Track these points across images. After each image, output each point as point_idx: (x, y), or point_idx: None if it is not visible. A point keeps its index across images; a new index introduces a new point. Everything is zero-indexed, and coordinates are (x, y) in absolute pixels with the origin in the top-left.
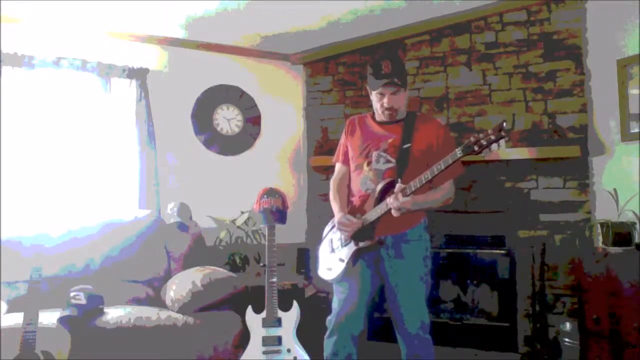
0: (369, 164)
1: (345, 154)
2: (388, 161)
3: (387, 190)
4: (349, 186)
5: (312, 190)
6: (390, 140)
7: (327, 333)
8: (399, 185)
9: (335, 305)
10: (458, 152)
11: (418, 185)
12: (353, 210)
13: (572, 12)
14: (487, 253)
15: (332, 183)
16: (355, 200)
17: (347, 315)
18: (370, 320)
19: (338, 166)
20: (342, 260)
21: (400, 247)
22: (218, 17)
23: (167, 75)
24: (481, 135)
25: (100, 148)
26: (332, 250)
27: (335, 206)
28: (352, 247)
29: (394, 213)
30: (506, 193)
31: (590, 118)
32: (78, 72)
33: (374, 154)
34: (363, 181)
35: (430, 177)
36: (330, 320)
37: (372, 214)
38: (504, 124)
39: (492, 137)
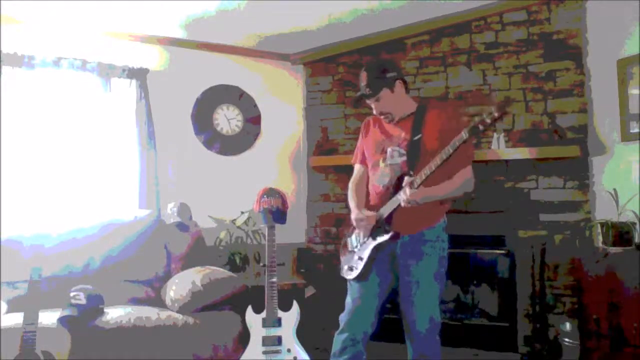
0: (384, 160)
1: (363, 154)
2: (402, 155)
3: (399, 184)
4: (367, 186)
5: (312, 190)
6: (403, 135)
7: (339, 330)
8: (406, 179)
9: (348, 302)
10: (464, 134)
11: (428, 173)
12: (370, 208)
13: (572, 12)
14: (487, 253)
15: (351, 184)
16: (373, 199)
17: (360, 313)
18: (378, 322)
19: (356, 167)
20: (361, 258)
21: (417, 247)
22: (218, 17)
23: (167, 75)
24: (484, 114)
25: (100, 148)
26: (352, 250)
27: (352, 204)
28: (370, 244)
29: (403, 205)
30: (506, 193)
31: (590, 118)
32: (78, 72)
33: (389, 150)
34: (379, 178)
35: (439, 163)
36: (342, 317)
37: (385, 209)
38: (506, 101)
39: (496, 115)
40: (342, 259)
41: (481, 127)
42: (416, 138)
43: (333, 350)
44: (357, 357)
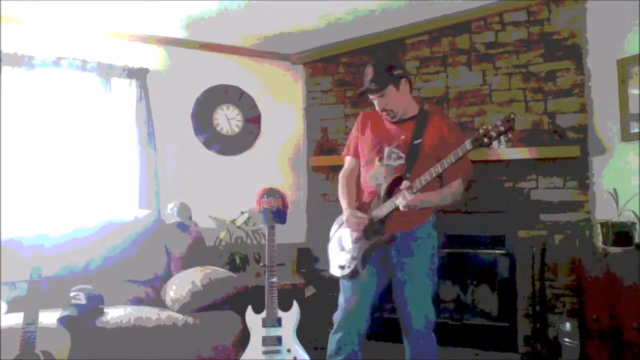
0: (380, 159)
1: (356, 147)
2: (399, 157)
3: (394, 186)
4: (357, 181)
5: (312, 190)
6: (402, 138)
7: (333, 330)
8: (405, 183)
9: (341, 301)
10: (467, 144)
11: (428, 179)
12: (362, 206)
13: (572, 12)
14: (487, 253)
15: (341, 177)
16: (364, 196)
17: (353, 312)
18: (370, 320)
19: (348, 159)
20: (354, 257)
21: (408, 245)
22: (218, 17)
23: (167, 75)
24: (490, 127)
25: (100, 148)
26: (343, 248)
27: (343, 202)
28: (363, 244)
29: (402, 209)
30: (506, 193)
31: (590, 118)
32: (78, 72)
33: (386, 150)
34: (373, 176)
35: (440, 171)
36: (336, 316)
37: (381, 211)
38: (512, 116)
39: (502, 129)
40: (331, 256)
41: (486, 141)
42: (416, 142)
43: (328, 351)
44: (352, 356)
